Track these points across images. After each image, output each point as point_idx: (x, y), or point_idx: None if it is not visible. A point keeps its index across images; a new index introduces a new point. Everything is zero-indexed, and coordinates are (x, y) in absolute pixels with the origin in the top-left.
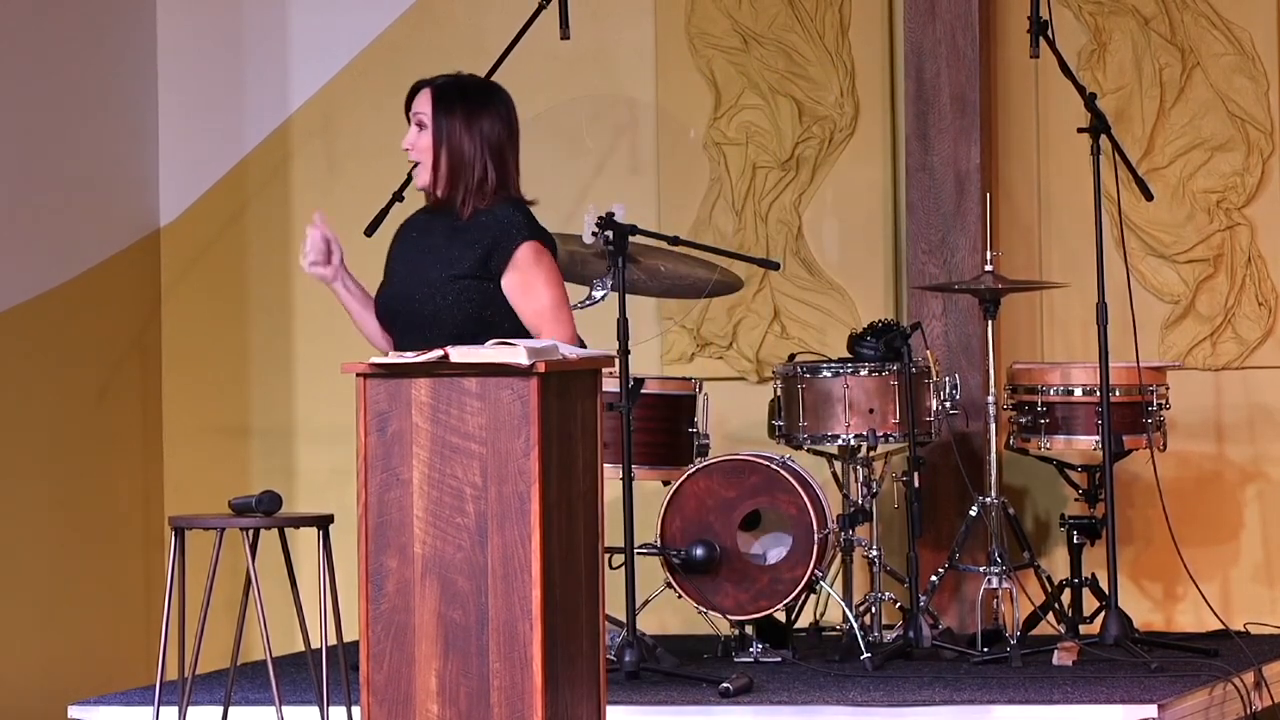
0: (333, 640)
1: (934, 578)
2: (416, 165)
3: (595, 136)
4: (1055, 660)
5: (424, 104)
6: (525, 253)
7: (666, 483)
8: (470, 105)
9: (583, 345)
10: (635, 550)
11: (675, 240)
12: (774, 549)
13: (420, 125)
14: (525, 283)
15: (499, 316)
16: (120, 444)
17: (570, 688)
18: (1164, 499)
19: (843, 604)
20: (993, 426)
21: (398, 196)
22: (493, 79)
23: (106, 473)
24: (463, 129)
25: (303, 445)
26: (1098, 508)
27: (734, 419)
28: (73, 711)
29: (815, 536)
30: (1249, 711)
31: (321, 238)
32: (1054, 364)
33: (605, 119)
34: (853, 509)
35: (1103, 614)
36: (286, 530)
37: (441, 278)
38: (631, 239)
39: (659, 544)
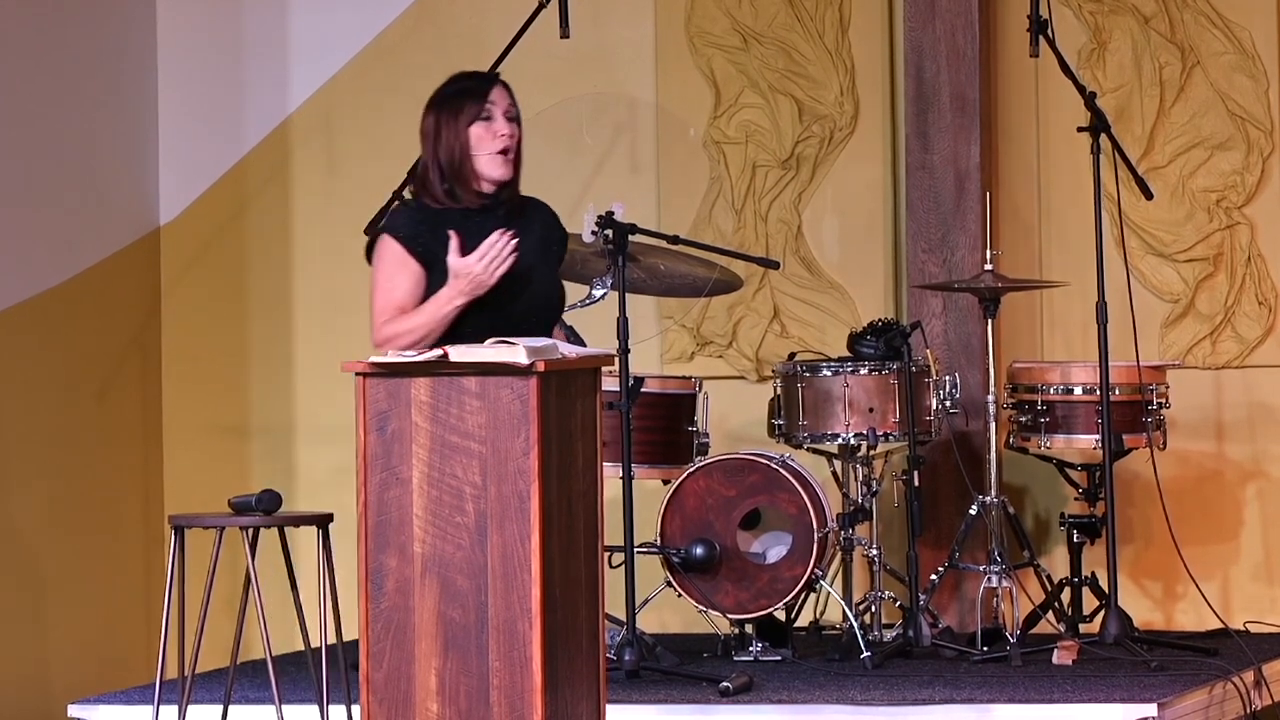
0: (332, 639)
1: (934, 576)
2: (504, 154)
3: (595, 135)
4: (1055, 659)
5: (509, 99)
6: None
7: (666, 481)
8: None
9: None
10: (635, 549)
11: (675, 239)
12: (774, 548)
13: (514, 119)
14: None
15: None
16: (120, 444)
17: (570, 686)
18: (1164, 498)
19: (842, 603)
20: (993, 425)
21: (398, 195)
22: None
23: (106, 473)
24: None
25: (302, 444)
26: (1098, 506)
27: (734, 418)
28: (73, 710)
29: (815, 535)
30: (1249, 710)
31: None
32: (1054, 363)
33: (605, 118)
34: (853, 508)
35: (1102, 613)
36: (286, 529)
37: (551, 265)
38: (631, 238)
39: (659, 543)
